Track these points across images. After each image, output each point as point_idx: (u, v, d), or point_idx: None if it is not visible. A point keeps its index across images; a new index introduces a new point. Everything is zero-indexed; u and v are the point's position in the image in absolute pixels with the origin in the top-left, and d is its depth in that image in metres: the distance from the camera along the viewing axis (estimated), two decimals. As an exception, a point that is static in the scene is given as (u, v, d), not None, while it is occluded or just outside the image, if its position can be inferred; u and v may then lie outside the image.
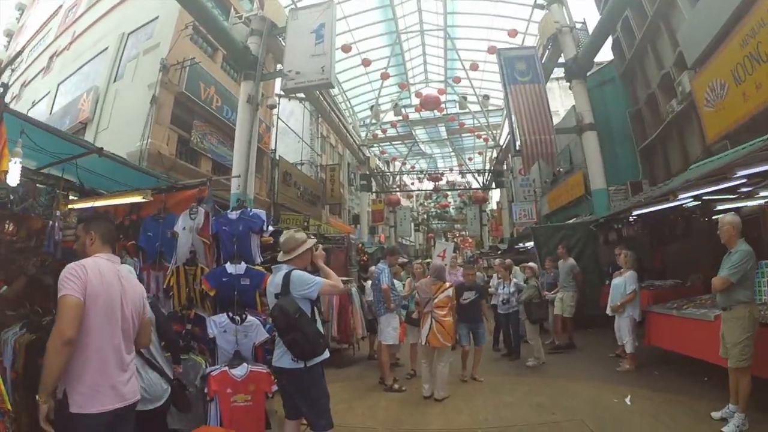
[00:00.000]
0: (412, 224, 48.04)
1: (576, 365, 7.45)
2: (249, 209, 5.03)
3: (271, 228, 5.02)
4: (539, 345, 7.73)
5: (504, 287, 8.32)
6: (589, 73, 14.03)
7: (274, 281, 3.64)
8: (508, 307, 8.16)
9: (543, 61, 14.38)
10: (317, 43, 11.08)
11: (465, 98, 27.19)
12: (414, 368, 7.22)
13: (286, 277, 3.50)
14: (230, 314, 4.16)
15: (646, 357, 6.92)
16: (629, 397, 5.32)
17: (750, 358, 4.08)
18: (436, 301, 6.08)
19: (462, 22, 23.02)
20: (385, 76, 22.11)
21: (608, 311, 7.12)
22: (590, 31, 13.74)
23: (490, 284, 9.47)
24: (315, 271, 3.86)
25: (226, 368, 3.89)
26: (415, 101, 29.13)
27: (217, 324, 4.16)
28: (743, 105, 7.58)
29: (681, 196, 5.65)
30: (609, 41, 15.05)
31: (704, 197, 6.52)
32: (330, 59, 10.96)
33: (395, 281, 7.38)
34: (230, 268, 4.40)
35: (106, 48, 15.35)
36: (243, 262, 4.47)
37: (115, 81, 14.41)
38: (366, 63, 20.67)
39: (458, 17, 22.78)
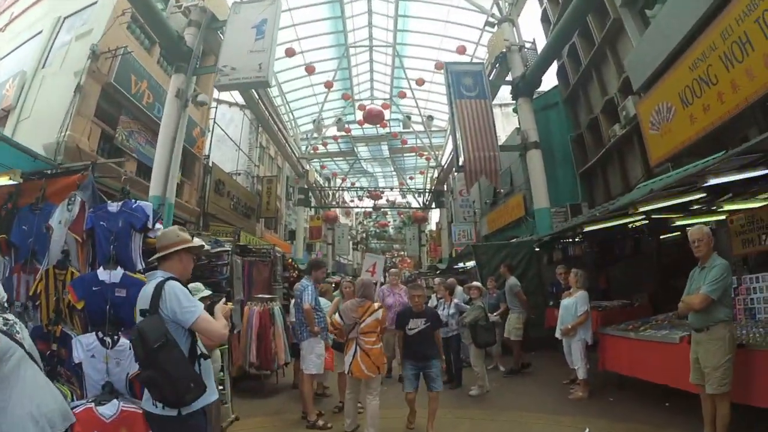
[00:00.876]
0: (351, 243, 47.58)
1: (525, 393, 6.86)
2: (134, 201, 3.97)
3: (159, 226, 3.90)
4: (484, 372, 7.11)
5: (444, 308, 7.56)
6: (534, 98, 14.15)
7: (143, 293, 2.69)
8: (447, 330, 7.29)
9: (490, 78, 14.32)
10: (257, 38, 10.28)
11: (409, 117, 27.23)
12: (343, 400, 6.17)
13: (158, 289, 2.59)
14: (100, 334, 3.26)
15: (600, 382, 6.49)
16: (587, 430, 4.79)
17: (730, 382, 3.68)
18: (362, 326, 5.14)
19: (412, 41, 23.12)
20: (328, 85, 21.69)
21: (558, 334, 6.67)
22: (539, 51, 13.77)
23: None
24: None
25: (92, 405, 2.98)
26: (360, 116, 28.98)
27: (84, 346, 3.27)
28: (690, 127, 7.57)
29: (640, 210, 5.31)
30: (554, 68, 15.45)
31: (653, 215, 6.26)
32: (269, 56, 10.15)
33: (323, 300, 6.48)
34: (103, 274, 3.47)
35: (41, 31, 13.88)
36: (120, 268, 3.54)
37: (43, 67, 12.90)
38: (310, 70, 20.02)
39: (408, 35, 22.83)
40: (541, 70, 13.09)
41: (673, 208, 5.96)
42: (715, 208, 5.84)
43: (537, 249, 10.17)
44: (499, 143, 16.95)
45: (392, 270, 10.01)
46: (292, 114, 26.79)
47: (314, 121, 26.20)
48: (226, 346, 5.25)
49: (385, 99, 27.46)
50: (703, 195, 5.13)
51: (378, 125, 22.49)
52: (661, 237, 8.26)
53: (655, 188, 4.65)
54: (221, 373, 4.97)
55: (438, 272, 18.66)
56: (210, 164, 16.91)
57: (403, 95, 23.55)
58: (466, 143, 12.08)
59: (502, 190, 17.49)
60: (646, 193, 4.81)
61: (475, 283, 8.01)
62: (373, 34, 23.76)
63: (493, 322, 8.08)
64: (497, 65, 14.57)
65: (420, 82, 21.53)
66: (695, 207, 5.91)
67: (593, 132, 13.34)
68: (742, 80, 6.19)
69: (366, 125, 29.26)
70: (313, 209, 29.42)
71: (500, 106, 25.48)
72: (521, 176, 15.54)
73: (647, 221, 6.76)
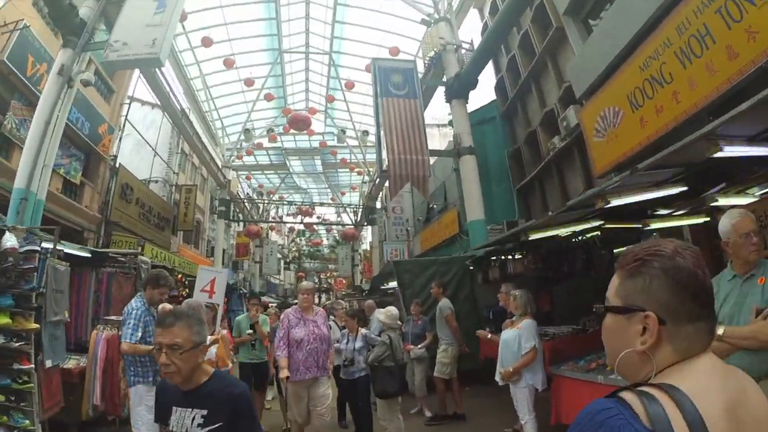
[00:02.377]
0: (282, 261, 45.76)
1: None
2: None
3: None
4: (397, 426, 5.76)
5: (347, 341, 6.14)
6: (470, 112, 13.50)
7: None
8: (353, 371, 5.95)
9: (424, 78, 13.70)
10: (157, 12, 8.90)
11: (344, 131, 26.31)
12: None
13: None
14: None
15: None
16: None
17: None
18: None
19: (347, 49, 22.29)
20: (249, 83, 20.54)
21: (497, 378, 5.16)
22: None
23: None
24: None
25: None
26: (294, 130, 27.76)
27: None
28: (640, 132, 6.92)
29: (610, 204, 4.32)
30: (492, 81, 15.07)
31: (608, 223, 5.38)
32: (166, 32, 8.78)
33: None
34: None
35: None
36: None
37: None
38: (249, 83, 19.08)
39: (345, 43, 22.00)
40: (476, 67, 12.51)
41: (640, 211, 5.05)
42: (705, 205, 4.84)
43: (470, 266, 9.01)
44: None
45: (336, 304, 8.96)
46: (222, 121, 25.21)
47: (245, 129, 24.77)
48: (32, 385, 3.79)
49: (320, 108, 26.48)
50: (685, 189, 4.25)
51: (304, 131, 21.17)
52: (615, 250, 7.36)
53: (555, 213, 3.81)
54: (24, 421, 3.52)
55: (364, 293, 17.45)
56: (117, 165, 15.09)
57: (331, 99, 22.63)
58: (391, 145, 11.02)
59: (435, 206, 16.78)
60: (619, 180, 3.88)
61: (387, 309, 6.40)
62: (309, 41, 22.78)
63: (403, 362, 6.82)
64: (431, 68, 13.87)
65: (349, 85, 20.67)
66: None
67: (531, 146, 12.82)
68: (701, 76, 5.54)
69: (299, 137, 28.48)
70: (239, 224, 27.63)
71: (438, 126, 25.20)
72: (455, 192, 14.85)
73: (598, 232, 5.85)
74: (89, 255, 6.92)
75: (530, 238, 5.82)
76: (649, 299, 1.02)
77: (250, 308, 7.21)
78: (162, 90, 14.15)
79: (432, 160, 17.02)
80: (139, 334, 4.24)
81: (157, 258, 13.86)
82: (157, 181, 20.01)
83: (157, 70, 13.17)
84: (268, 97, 22.48)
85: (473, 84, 12.92)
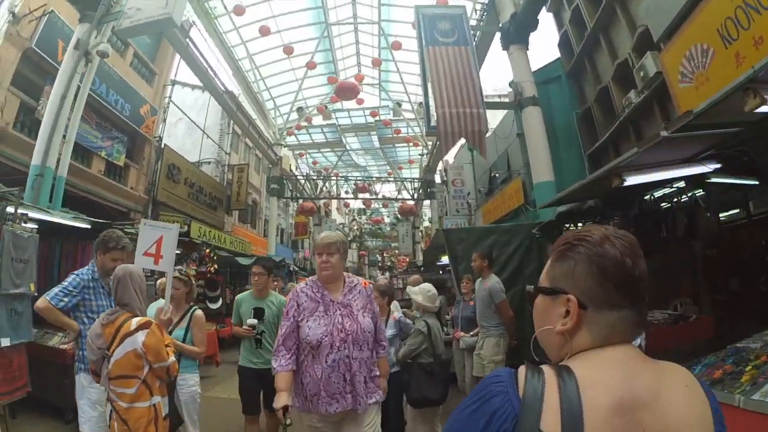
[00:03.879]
0: (343, 241, 45.38)
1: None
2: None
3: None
4: None
5: None
6: (532, 70, 11.86)
7: None
8: None
9: (477, 26, 12.31)
10: (170, -26, 8.16)
11: (399, 104, 25.15)
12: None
13: None
14: None
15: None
16: None
17: None
18: (110, 364, 2.75)
19: (397, 16, 20.61)
20: (311, 66, 19.54)
21: None
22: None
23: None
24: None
25: None
26: (347, 105, 26.88)
27: None
28: (735, 71, 5.44)
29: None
30: (555, 38, 13.57)
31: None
32: (178, -9, 8.01)
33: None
34: None
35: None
36: None
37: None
38: (288, 50, 18.15)
39: (393, 10, 20.41)
40: (535, 4, 10.91)
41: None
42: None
43: (538, 236, 7.28)
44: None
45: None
46: (274, 101, 24.57)
47: (299, 108, 24.15)
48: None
49: (373, 81, 25.38)
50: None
51: (353, 101, 20.11)
52: (723, 214, 5.86)
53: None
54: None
55: (422, 269, 16.35)
56: (162, 146, 14.81)
57: (377, 62, 21.44)
58: (440, 98, 9.62)
59: (497, 175, 15.34)
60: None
61: (414, 289, 4.92)
62: (357, 12, 21.56)
63: (466, 349, 5.84)
64: (484, 12, 12.37)
65: (396, 45, 19.44)
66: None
67: (603, 104, 11.28)
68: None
69: (354, 113, 27.60)
70: (296, 203, 27.21)
71: (499, 96, 23.24)
72: (519, 160, 13.48)
73: (701, 190, 4.47)
74: (89, 226, 6.27)
75: (627, 184, 4.14)
76: (573, 284, 1.01)
77: (255, 281, 4.92)
78: (203, 70, 13.60)
79: (493, 124, 15.85)
80: (68, 301, 3.52)
81: (205, 236, 13.57)
82: (209, 162, 20.07)
83: (195, 50, 12.75)
84: (331, 80, 21.67)
85: (533, 25, 11.34)
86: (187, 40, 12.19)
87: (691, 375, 1.01)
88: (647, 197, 5.33)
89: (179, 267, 4.12)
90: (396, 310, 5.45)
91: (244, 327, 4.63)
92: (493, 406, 0.90)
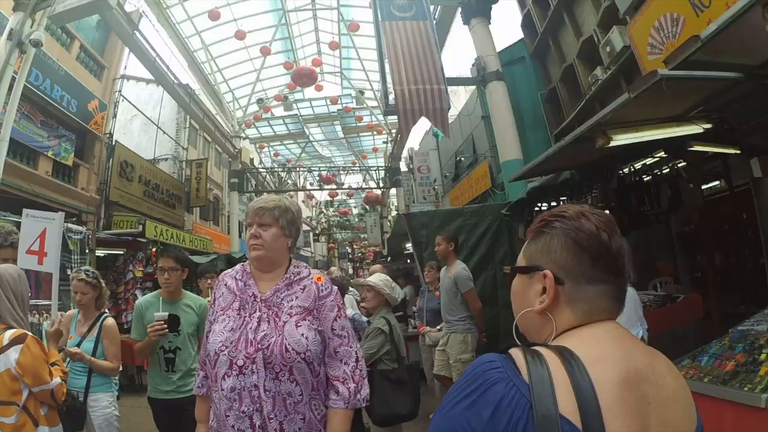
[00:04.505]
0: (311, 233, 44.76)
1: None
2: None
3: None
4: None
5: None
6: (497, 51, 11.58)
7: None
8: None
9: None
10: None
11: (362, 92, 24.66)
12: None
13: None
14: None
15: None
16: None
17: None
18: None
19: (357, 1, 20.11)
20: (265, 51, 18.76)
21: None
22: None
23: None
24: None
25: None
26: (309, 95, 26.26)
27: None
28: None
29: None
30: (518, 20, 13.32)
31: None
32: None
33: None
34: None
35: None
36: None
37: None
38: (240, 35, 17.40)
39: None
40: None
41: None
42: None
43: (508, 216, 6.81)
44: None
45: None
46: (233, 93, 23.67)
47: (259, 99, 23.41)
48: None
49: (334, 70, 24.80)
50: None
51: (310, 86, 19.42)
52: (705, 185, 5.58)
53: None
54: None
55: (388, 259, 15.94)
56: (113, 143, 14.06)
57: (335, 45, 20.78)
58: (398, 75, 9.09)
59: (462, 159, 15.11)
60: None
61: (367, 280, 4.06)
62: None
63: (433, 345, 5.41)
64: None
65: (354, 26, 18.96)
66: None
67: (569, 84, 11.15)
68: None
69: (316, 103, 26.96)
70: (256, 196, 26.49)
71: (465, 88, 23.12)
72: (485, 144, 13.26)
73: (682, 160, 4.17)
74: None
75: (615, 143, 3.66)
76: (549, 259, 0.99)
77: (165, 279, 3.53)
78: (152, 61, 12.89)
79: (458, 107, 15.55)
80: None
81: (163, 236, 13.12)
82: (166, 159, 19.28)
83: (142, 39, 12.06)
84: (287, 65, 20.96)
85: (495, -2, 10.93)
86: (134, 29, 11.54)
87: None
88: (626, 169, 5.02)
89: (85, 267, 3.50)
90: (350, 306, 5.05)
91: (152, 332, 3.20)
92: (497, 394, 0.81)
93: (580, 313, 0.95)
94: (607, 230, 0.96)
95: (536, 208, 6.64)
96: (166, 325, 3.14)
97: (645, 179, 5.33)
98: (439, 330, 5.50)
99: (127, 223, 12.78)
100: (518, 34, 13.51)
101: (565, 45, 11.24)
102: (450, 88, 9.78)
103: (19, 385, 2.25)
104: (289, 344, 1.85)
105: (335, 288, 2.14)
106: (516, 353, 0.88)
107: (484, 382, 0.83)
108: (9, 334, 2.30)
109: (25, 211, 2.98)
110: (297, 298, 2.00)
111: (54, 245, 2.87)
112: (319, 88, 21.39)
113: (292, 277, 2.06)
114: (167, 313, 3.19)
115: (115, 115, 14.70)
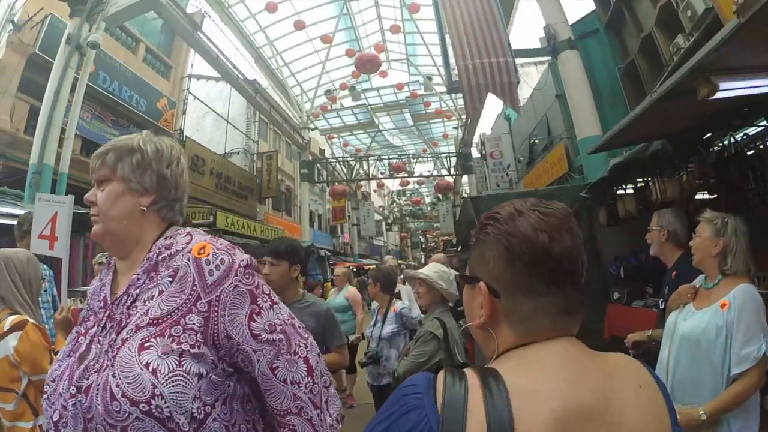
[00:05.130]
0: (384, 223, 44.81)
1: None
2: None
3: None
4: None
5: (375, 322, 4.10)
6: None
7: None
8: (379, 373, 3.89)
9: None
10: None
11: (430, 78, 24.19)
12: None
13: None
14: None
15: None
16: None
17: None
18: None
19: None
20: (327, 39, 18.61)
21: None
22: None
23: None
24: None
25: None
26: (376, 83, 26.06)
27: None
28: None
29: None
30: None
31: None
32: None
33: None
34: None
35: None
36: None
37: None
38: (299, 25, 17.33)
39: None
40: None
41: None
42: None
43: (587, 198, 5.75)
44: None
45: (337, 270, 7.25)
46: (301, 87, 23.99)
47: (327, 91, 23.47)
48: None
49: (400, 57, 24.37)
50: None
51: (374, 72, 19.00)
52: None
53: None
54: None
55: (459, 249, 15.34)
56: (183, 139, 14.50)
57: (396, 29, 19.93)
58: (460, 49, 8.37)
59: (536, 141, 14.27)
60: None
61: (419, 272, 3.33)
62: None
63: None
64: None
65: (414, 8, 18.04)
66: None
67: (648, 55, 9.92)
68: None
69: (384, 92, 26.68)
70: (323, 184, 26.95)
71: (535, 64, 22.18)
72: (561, 123, 12.37)
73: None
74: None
75: (721, 95, 2.76)
76: (484, 269, 0.89)
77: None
78: (215, 58, 13.22)
79: (528, 89, 14.72)
80: None
81: (234, 225, 13.39)
82: (238, 152, 19.84)
83: (204, 38, 12.44)
84: (349, 53, 20.71)
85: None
86: (196, 30, 11.92)
87: (642, 368, 0.88)
88: (725, 141, 4.25)
89: (105, 253, 3.30)
90: (407, 298, 4.63)
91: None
92: (408, 423, 0.74)
93: (519, 331, 0.84)
94: (548, 230, 0.83)
95: (620, 189, 5.83)
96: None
97: (748, 153, 4.50)
98: None
99: (199, 214, 13.09)
100: (589, 5, 12.46)
101: (641, 13, 10.11)
102: (521, 69, 9.07)
103: (18, 372, 2.15)
104: (119, 386, 1.01)
105: (248, 260, 1.21)
106: (441, 375, 0.79)
107: (399, 408, 0.77)
108: (10, 320, 2.22)
109: (37, 195, 2.86)
110: (160, 293, 1.14)
111: (64, 230, 2.73)
112: (383, 75, 21.03)
113: (156, 257, 1.21)
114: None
115: (184, 112, 15.30)
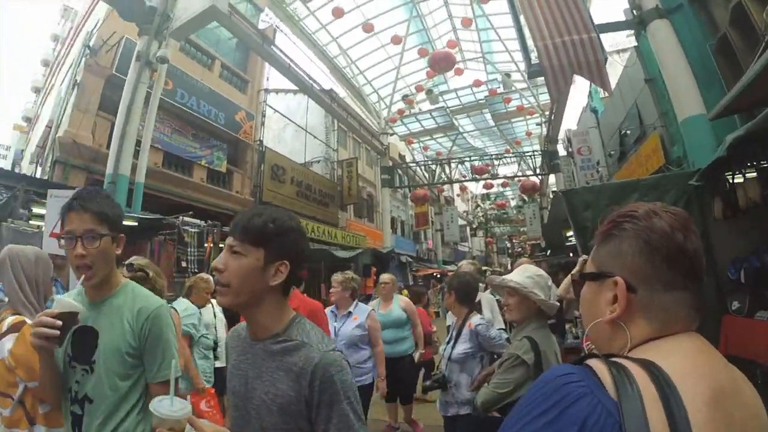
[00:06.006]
0: (468, 228, 43.92)
1: None
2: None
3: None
4: None
5: (449, 341, 3.47)
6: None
7: None
8: (447, 401, 3.28)
9: None
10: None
11: (508, 75, 23.27)
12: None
13: None
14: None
15: None
16: None
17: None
18: None
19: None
20: (396, 40, 18.37)
21: None
22: None
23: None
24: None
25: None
26: (453, 85, 25.53)
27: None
28: None
29: None
30: None
31: None
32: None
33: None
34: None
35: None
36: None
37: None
38: (368, 28, 17.29)
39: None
40: None
41: None
42: None
43: (698, 184, 4.80)
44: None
45: (384, 276, 5.77)
46: (378, 93, 23.89)
47: (404, 96, 23.29)
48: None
49: (475, 55, 23.67)
50: None
51: (449, 70, 18.40)
52: None
53: None
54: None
55: (548, 254, 14.41)
56: (263, 149, 14.90)
57: (468, 22, 19.32)
58: (537, 29, 7.61)
59: (627, 132, 13.19)
60: None
61: (508, 279, 2.59)
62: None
63: None
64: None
65: None
66: None
67: (740, 27, 8.64)
68: None
69: (462, 92, 26.07)
70: (403, 188, 26.80)
71: (618, 52, 20.75)
72: (653, 111, 11.29)
73: None
74: (135, 224, 5.98)
75: None
76: (619, 264, 0.89)
77: None
78: (286, 68, 13.60)
79: (614, 78, 13.65)
80: None
81: (314, 232, 13.60)
82: (318, 161, 20.21)
83: (276, 50, 12.99)
84: (422, 52, 20.33)
85: None
86: (267, 43, 12.37)
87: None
88: None
89: (129, 261, 3.02)
90: (488, 309, 4.07)
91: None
92: (581, 411, 0.70)
93: (657, 323, 0.85)
94: (682, 230, 0.86)
95: (738, 175, 4.85)
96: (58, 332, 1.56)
97: None
98: None
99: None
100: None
101: (730, -21, 8.98)
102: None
103: (15, 377, 2.03)
104: None
105: None
106: (597, 365, 0.78)
107: (564, 397, 0.72)
108: (9, 320, 2.10)
109: (49, 191, 2.68)
110: None
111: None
112: (459, 72, 20.59)
113: None
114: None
115: (262, 124, 15.76)
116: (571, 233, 9.13)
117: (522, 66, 21.40)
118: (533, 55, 8.07)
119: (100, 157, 10.10)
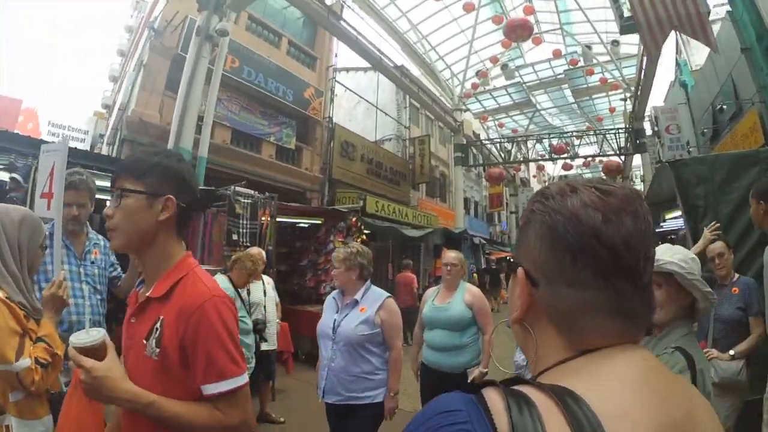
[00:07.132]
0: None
1: None
2: None
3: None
4: None
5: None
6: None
7: None
8: None
9: None
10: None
11: (589, 47, 22.05)
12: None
13: None
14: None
15: None
16: None
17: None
18: None
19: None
20: (468, 8, 17.76)
21: None
22: None
23: None
24: None
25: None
26: (530, 59, 24.50)
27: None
28: None
29: None
30: None
31: None
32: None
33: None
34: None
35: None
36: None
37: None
38: (468, 7, 16.93)
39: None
40: None
41: None
42: None
43: None
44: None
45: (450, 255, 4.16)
46: (450, 69, 23.25)
47: (478, 71, 22.67)
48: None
49: (553, 27, 22.48)
50: None
51: (526, 40, 17.49)
52: None
53: None
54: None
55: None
56: (332, 126, 15.13)
57: None
58: None
59: (723, 107, 12.15)
60: None
61: (664, 261, 1.76)
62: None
63: (719, 384, 3.03)
64: None
65: None
66: None
67: None
68: None
69: (538, 67, 24.94)
70: (478, 167, 26.21)
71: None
72: (750, 85, 10.29)
73: None
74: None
75: None
76: (524, 253, 0.75)
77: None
78: (356, 43, 13.50)
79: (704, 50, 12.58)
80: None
81: (384, 210, 13.83)
82: (390, 139, 20.16)
83: (347, 26, 12.92)
84: (497, 20, 19.43)
85: None
86: (334, 18, 12.38)
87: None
88: None
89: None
90: None
91: None
92: None
93: (566, 331, 0.68)
94: (602, 210, 0.66)
95: None
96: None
97: None
98: (735, 354, 3.15)
99: (349, 199, 13.56)
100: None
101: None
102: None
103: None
104: None
105: None
106: (491, 395, 0.60)
107: None
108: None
109: (42, 146, 2.49)
110: None
111: (59, 183, 2.24)
112: (537, 41, 19.65)
113: None
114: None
115: (331, 101, 15.80)
116: (672, 215, 8.32)
117: (605, 37, 20.33)
118: (625, 7, 7.43)
119: (167, 135, 10.67)
